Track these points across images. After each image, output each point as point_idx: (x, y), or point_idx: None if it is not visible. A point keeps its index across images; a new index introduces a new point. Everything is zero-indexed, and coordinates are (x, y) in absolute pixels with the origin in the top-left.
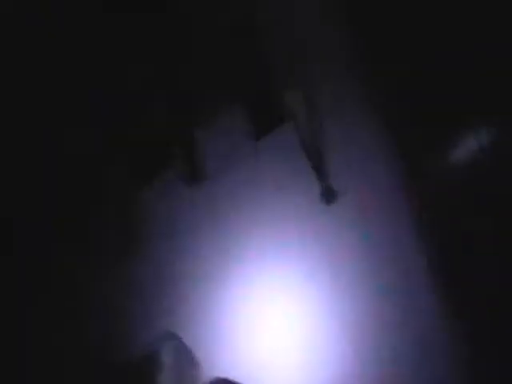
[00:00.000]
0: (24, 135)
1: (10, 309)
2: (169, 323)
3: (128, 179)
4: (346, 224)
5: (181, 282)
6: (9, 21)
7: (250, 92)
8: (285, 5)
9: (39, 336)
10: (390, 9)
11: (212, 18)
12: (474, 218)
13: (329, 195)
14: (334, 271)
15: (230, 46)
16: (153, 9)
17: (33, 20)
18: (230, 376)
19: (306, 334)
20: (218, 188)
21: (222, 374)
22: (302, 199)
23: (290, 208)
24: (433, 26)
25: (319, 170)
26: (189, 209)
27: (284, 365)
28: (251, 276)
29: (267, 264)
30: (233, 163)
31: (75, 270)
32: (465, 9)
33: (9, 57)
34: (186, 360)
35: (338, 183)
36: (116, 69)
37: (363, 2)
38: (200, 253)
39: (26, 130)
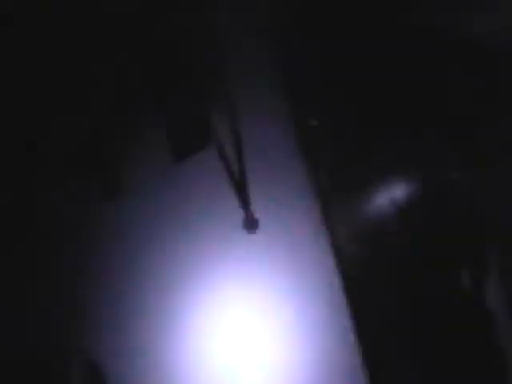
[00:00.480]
0: None
1: None
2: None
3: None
4: (268, 251)
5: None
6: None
7: (178, 112)
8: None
9: None
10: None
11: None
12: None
13: (250, 224)
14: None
15: (159, 64)
16: None
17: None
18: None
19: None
20: (138, 203)
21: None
22: (225, 224)
23: (212, 231)
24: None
25: (241, 197)
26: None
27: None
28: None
29: (189, 287)
30: (154, 181)
31: None
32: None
33: None
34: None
35: (259, 212)
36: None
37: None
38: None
39: None
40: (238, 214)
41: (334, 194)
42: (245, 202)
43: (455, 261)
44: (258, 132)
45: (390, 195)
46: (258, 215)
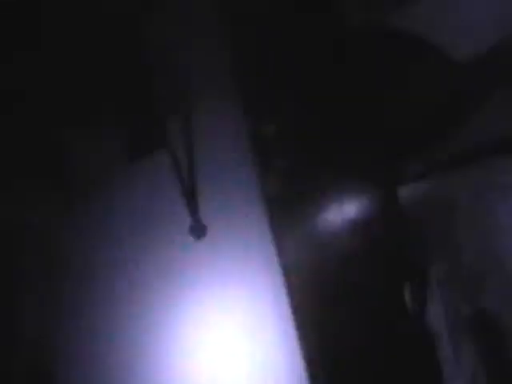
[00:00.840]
0: None
1: None
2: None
3: None
4: (215, 258)
5: None
6: None
7: (129, 114)
8: (173, 32)
9: None
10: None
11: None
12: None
13: (197, 230)
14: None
15: (114, 67)
16: None
17: None
18: None
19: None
20: (87, 207)
21: None
22: (173, 228)
23: (161, 236)
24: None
25: (189, 202)
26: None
27: None
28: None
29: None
30: (104, 184)
31: None
32: None
33: None
34: None
35: (207, 217)
36: None
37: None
38: None
39: None
40: (187, 220)
41: (283, 204)
42: (193, 208)
43: (400, 280)
44: (209, 137)
45: (341, 207)
46: (205, 222)
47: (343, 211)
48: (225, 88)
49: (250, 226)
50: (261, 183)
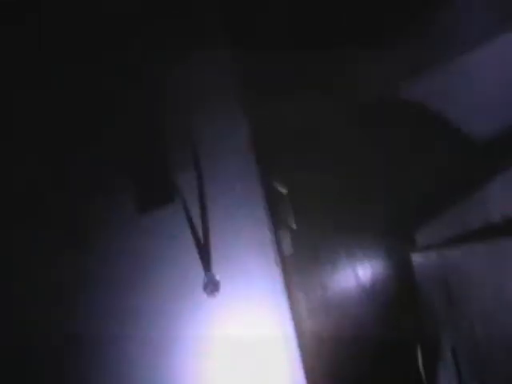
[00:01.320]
0: None
1: None
2: None
3: None
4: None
5: None
6: None
7: (143, 167)
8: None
9: None
10: None
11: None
12: None
13: (211, 286)
14: None
15: (127, 124)
16: None
17: None
18: None
19: None
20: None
21: None
22: (186, 284)
23: (172, 291)
24: None
25: (203, 258)
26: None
27: None
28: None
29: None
30: (115, 233)
31: None
32: None
33: None
34: None
35: (219, 272)
36: None
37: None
38: None
39: None
40: (200, 276)
41: (296, 264)
42: (206, 264)
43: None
44: (223, 195)
45: (353, 270)
46: (218, 277)
47: (356, 274)
48: (238, 144)
49: (263, 285)
50: (275, 242)
